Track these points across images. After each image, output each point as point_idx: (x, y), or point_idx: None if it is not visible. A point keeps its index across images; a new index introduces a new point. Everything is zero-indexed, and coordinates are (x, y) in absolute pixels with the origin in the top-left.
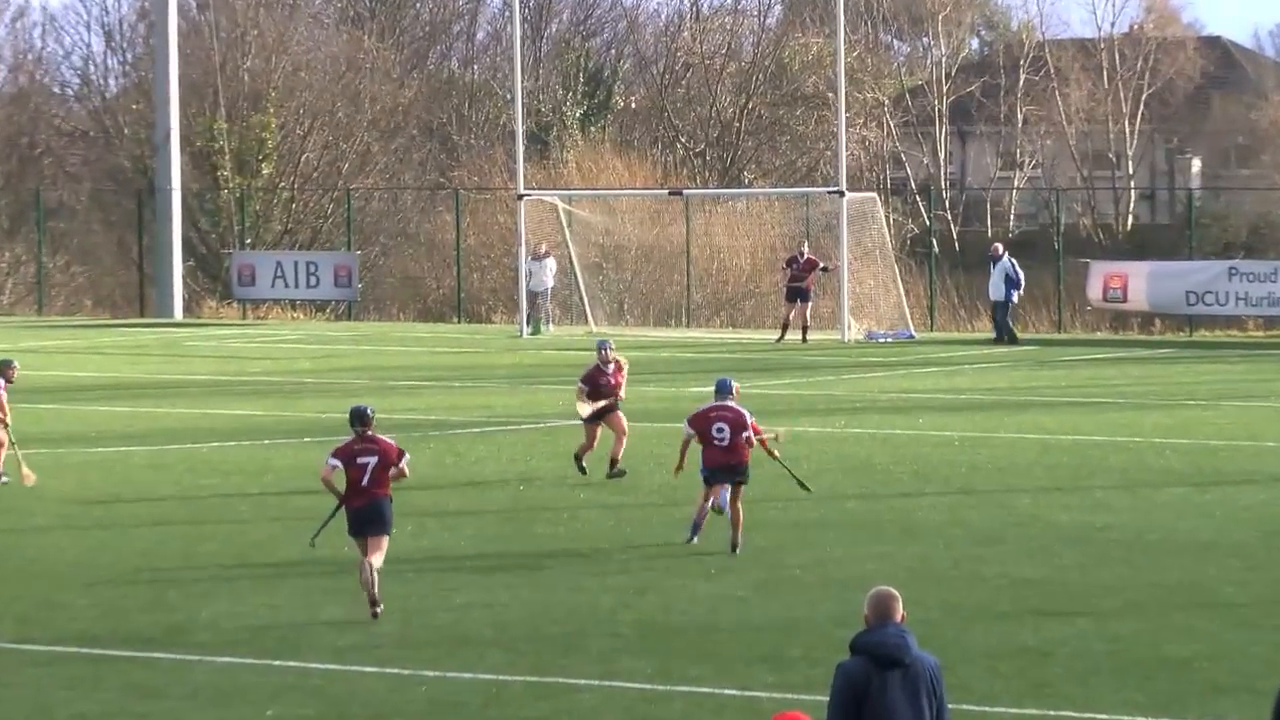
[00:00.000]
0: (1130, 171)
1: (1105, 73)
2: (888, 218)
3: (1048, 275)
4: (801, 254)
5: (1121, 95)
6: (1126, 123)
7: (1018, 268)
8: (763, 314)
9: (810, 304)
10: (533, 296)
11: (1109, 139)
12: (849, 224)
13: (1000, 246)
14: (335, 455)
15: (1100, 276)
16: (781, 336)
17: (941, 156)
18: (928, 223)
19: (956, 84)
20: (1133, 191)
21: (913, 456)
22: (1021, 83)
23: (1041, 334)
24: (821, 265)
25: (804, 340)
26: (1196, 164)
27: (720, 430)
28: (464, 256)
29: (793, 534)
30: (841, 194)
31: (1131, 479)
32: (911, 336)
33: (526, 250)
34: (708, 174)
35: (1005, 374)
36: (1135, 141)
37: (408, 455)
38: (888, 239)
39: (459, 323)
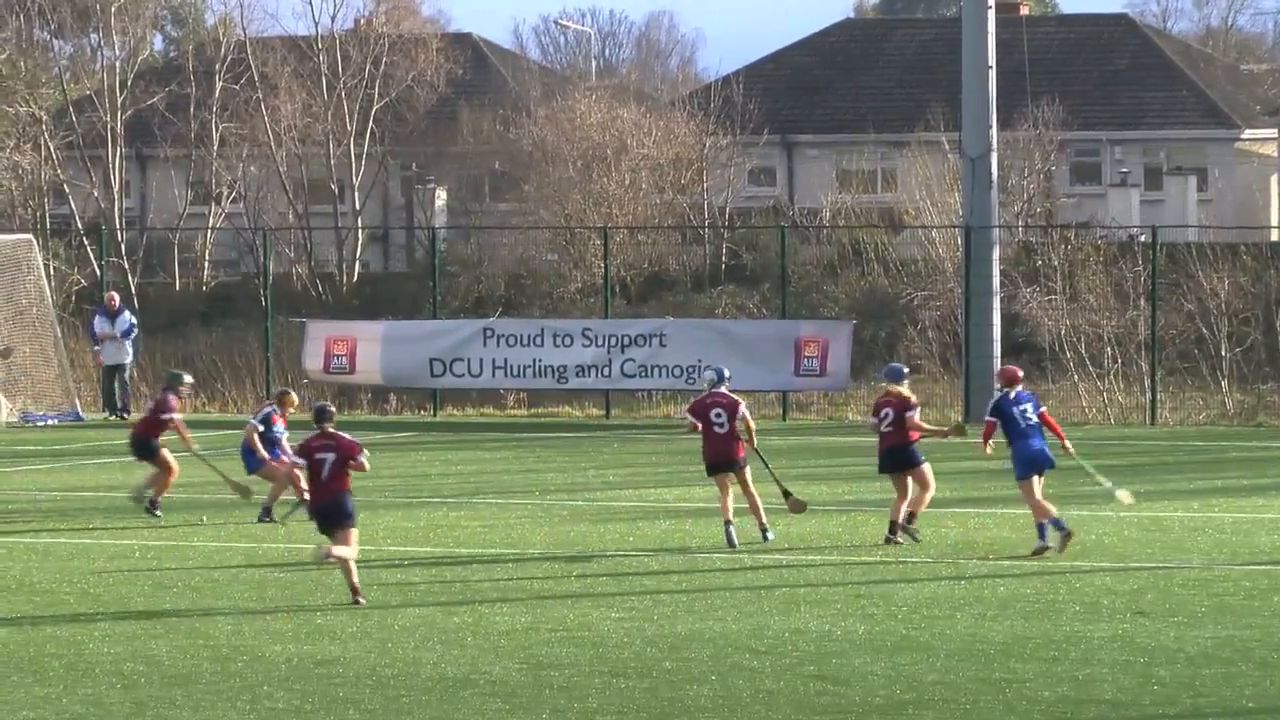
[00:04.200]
0: (357, 206)
1: (324, 80)
2: (49, 266)
3: (253, 338)
4: None
5: (345, 109)
6: (352, 144)
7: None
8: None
9: None
10: None
11: (330, 165)
12: None
13: (117, 297)
14: (298, 454)
15: (321, 340)
16: None
17: (116, 188)
18: (99, 272)
19: (135, 95)
20: (361, 232)
21: (80, 572)
22: (218, 93)
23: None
24: None
25: None
26: (442, 196)
27: (719, 415)
28: None
29: None
30: None
31: (371, 595)
32: (79, 418)
33: None
34: None
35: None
36: (363, 168)
37: (366, 451)
38: (48, 293)
39: None
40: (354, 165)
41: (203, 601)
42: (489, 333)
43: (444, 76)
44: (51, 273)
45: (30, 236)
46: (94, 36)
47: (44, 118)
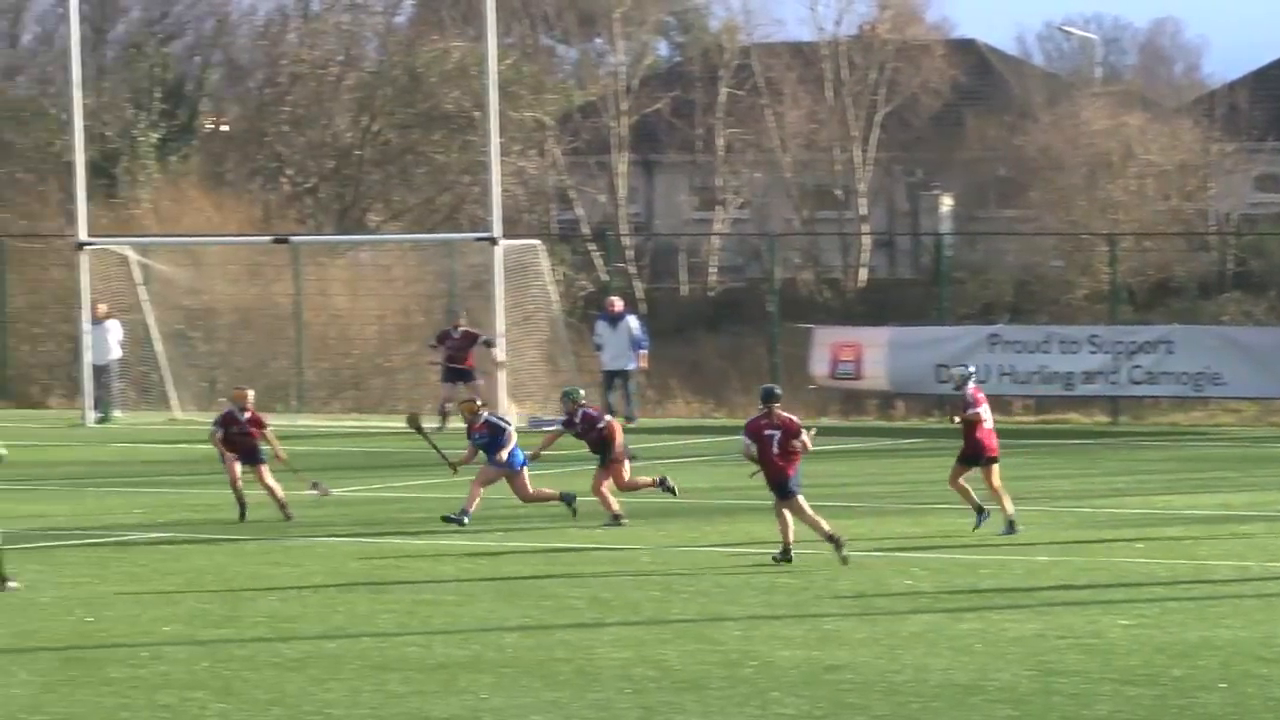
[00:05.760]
0: (863, 212)
1: (830, 86)
2: (554, 271)
3: (759, 344)
4: (457, 326)
5: (850, 115)
6: (857, 150)
7: (644, 329)
8: (394, 395)
9: (480, 381)
10: (97, 372)
11: (835, 171)
12: (505, 279)
13: (619, 302)
14: (748, 433)
15: (827, 346)
16: (441, 427)
17: (622, 193)
18: (605, 278)
19: (640, 101)
20: (866, 238)
21: (591, 577)
22: (723, 99)
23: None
24: (483, 339)
25: (441, 428)
26: (947, 202)
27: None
28: (9, 323)
29: (439, 677)
30: (494, 241)
31: (870, 605)
32: None
33: (90, 314)
34: (322, 216)
35: (710, 470)
36: (868, 174)
37: (809, 431)
38: (554, 298)
39: (4, 407)
40: (859, 171)
41: (712, 607)
42: (995, 339)
43: (949, 83)
44: (559, 277)
45: (537, 241)
46: (598, 42)
47: (549, 124)
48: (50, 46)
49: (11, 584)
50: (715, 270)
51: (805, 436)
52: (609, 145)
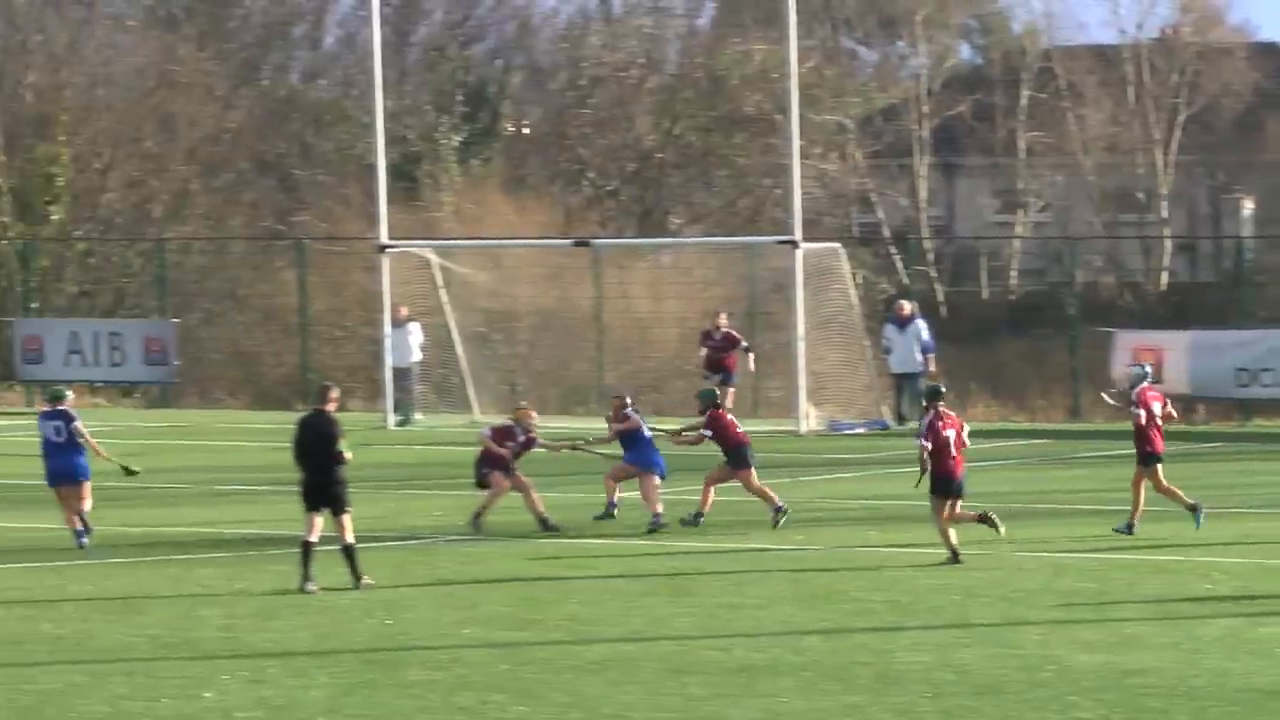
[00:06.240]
0: (1164, 215)
1: (1131, 89)
2: (855, 274)
3: (1059, 348)
4: (718, 327)
5: (1152, 118)
6: (1159, 153)
7: (931, 334)
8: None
9: (733, 387)
10: (398, 375)
11: (1137, 174)
12: (805, 282)
13: (908, 305)
14: (927, 433)
15: (1127, 350)
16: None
17: (923, 196)
18: (905, 280)
19: (941, 103)
20: (1168, 241)
21: (890, 580)
22: (1025, 102)
23: (1053, 423)
24: (743, 344)
25: None
26: (1248, 206)
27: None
28: (310, 325)
29: (739, 681)
30: (795, 244)
31: (1170, 609)
32: (886, 426)
33: (391, 317)
34: (623, 219)
35: (1006, 474)
36: (1170, 177)
37: (965, 427)
38: (855, 302)
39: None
40: (1160, 174)
41: (1013, 611)
42: None
43: (1251, 86)
44: (859, 281)
45: (838, 245)
46: (900, 45)
47: (850, 126)
48: (352, 49)
49: (310, 586)
50: (1016, 273)
51: (964, 435)
52: (910, 148)
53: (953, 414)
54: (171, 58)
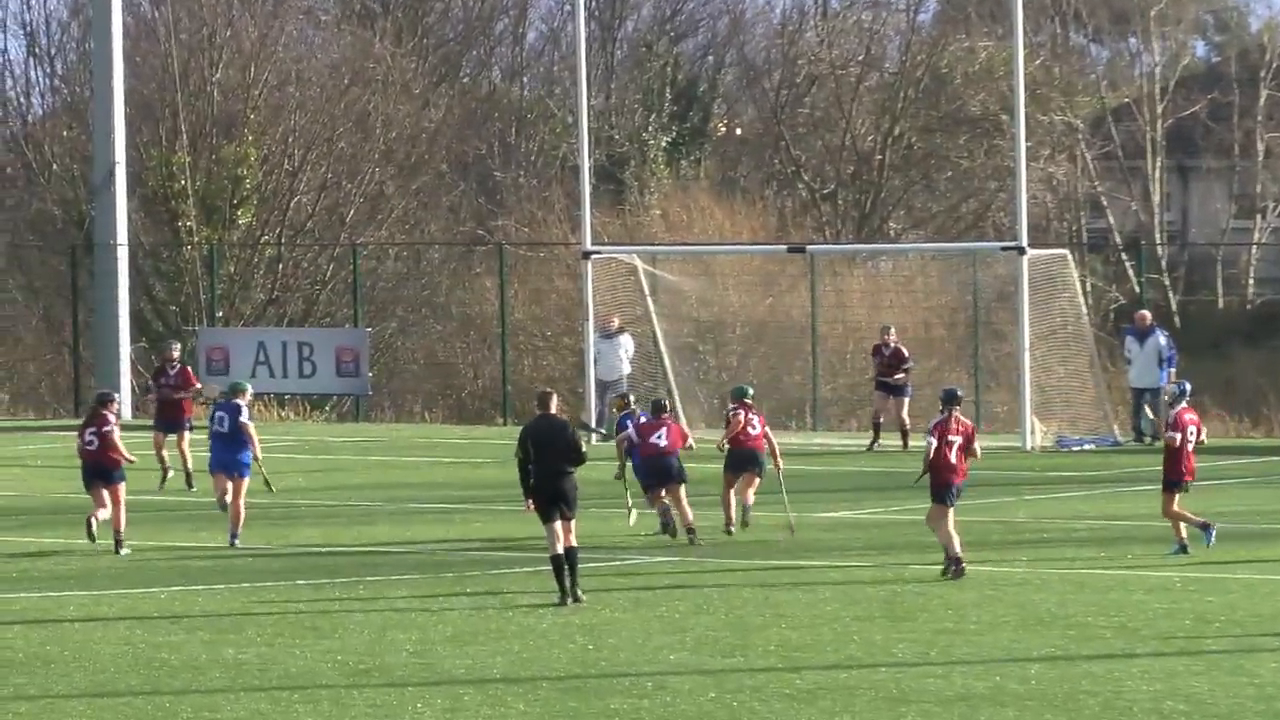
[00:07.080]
0: None
1: None
2: (1084, 282)
3: None
4: (888, 343)
5: None
6: None
7: (1172, 345)
8: (915, 413)
9: (908, 399)
10: (603, 387)
11: None
12: (1031, 291)
13: (1148, 316)
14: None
15: None
16: (874, 442)
17: (1156, 201)
18: (1138, 289)
19: (1176, 103)
20: None
21: (1119, 605)
22: (1263, 101)
23: None
24: (907, 364)
25: (904, 446)
26: None
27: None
28: (510, 335)
29: (959, 710)
30: (1021, 251)
31: None
32: (1117, 443)
33: (595, 326)
34: (840, 224)
35: (1247, 493)
36: None
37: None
38: (1084, 311)
39: (504, 424)
40: None
41: (1246, 638)
42: None
43: None
44: (1087, 290)
45: (1065, 251)
46: (1132, 41)
47: (1080, 127)
48: (556, 46)
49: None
50: (1253, 281)
51: (976, 445)
52: (1142, 150)
53: (967, 420)
54: (367, 54)
